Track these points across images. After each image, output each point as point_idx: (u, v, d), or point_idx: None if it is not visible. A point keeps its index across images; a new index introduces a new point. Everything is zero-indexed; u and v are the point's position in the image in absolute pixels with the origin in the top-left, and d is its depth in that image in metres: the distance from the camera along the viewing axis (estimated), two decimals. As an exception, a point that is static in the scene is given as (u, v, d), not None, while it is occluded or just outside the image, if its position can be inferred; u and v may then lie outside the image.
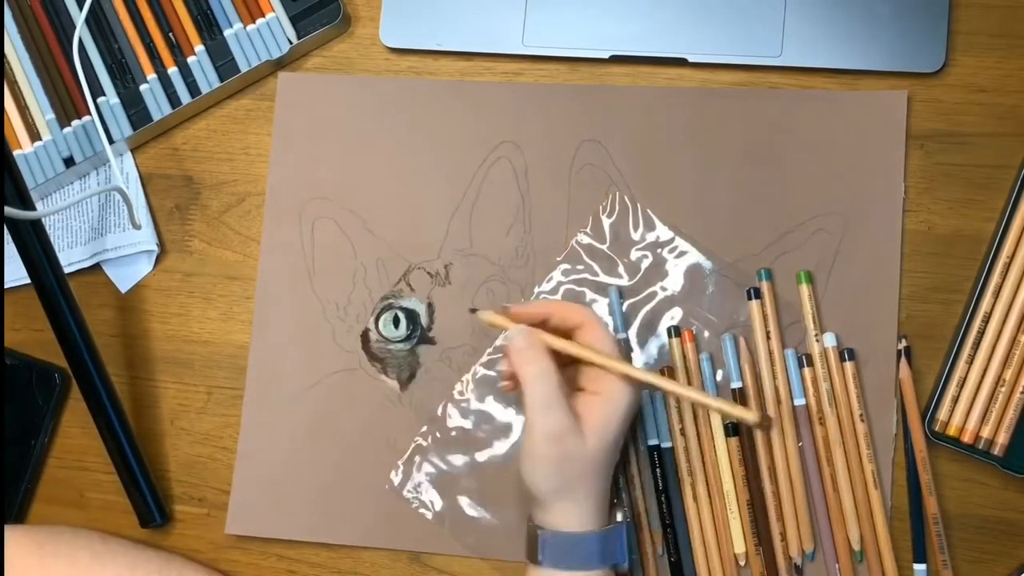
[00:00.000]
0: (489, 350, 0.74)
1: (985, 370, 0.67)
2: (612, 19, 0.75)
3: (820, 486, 0.68)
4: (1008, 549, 0.68)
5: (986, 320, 0.68)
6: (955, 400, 0.67)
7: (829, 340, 0.69)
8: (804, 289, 0.70)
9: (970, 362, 0.67)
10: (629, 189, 0.74)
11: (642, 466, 0.70)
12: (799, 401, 0.69)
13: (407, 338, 0.75)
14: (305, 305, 0.76)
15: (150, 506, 0.75)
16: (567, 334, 0.64)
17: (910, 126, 0.72)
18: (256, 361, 0.76)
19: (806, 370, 0.69)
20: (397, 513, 0.73)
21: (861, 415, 0.68)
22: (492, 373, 0.73)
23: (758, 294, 0.70)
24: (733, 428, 0.69)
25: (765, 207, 0.72)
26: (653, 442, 0.70)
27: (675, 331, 0.71)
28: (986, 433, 0.67)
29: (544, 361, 0.61)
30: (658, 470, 0.69)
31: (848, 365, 0.69)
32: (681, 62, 0.74)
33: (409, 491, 0.73)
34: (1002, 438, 0.67)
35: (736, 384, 0.70)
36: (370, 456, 0.73)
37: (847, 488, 0.68)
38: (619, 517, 0.63)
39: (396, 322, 0.75)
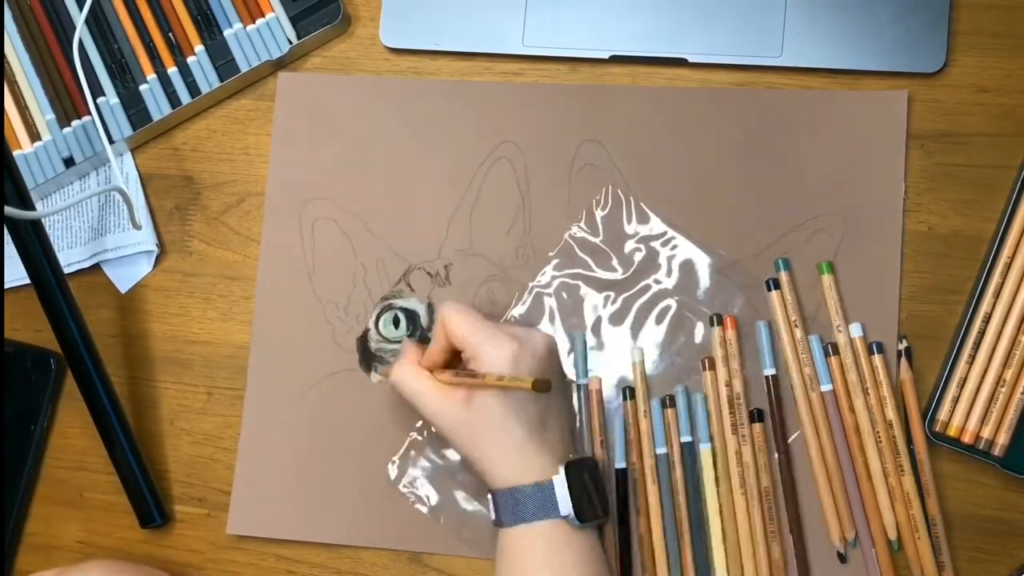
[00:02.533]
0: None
1: (985, 370, 0.67)
2: (612, 19, 0.75)
3: (853, 473, 0.68)
4: (1008, 549, 0.67)
5: (986, 320, 0.67)
6: (955, 400, 0.67)
7: (855, 331, 0.69)
8: (826, 279, 0.70)
9: (970, 362, 0.67)
10: (629, 189, 0.74)
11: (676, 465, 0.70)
12: (826, 387, 0.69)
13: (407, 338, 0.75)
14: (305, 305, 0.76)
15: (150, 506, 0.74)
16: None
17: (910, 126, 0.72)
18: (256, 361, 0.76)
19: (832, 358, 0.69)
20: (397, 513, 0.73)
21: (894, 403, 0.68)
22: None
23: (776, 284, 0.70)
24: (758, 414, 0.69)
25: (765, 207, 0.72)
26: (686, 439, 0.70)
27: (717, 319, 0.71)
28: (986, 433, 0.67)
29: (418, 380, 0.68)
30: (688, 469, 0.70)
31: (877, 357, 0.69)
32: (681, 62, 0.74)
33: (405, 485, 0.73)
34: (1002, 438, 0.67)
35: (769, 371, 0.70)
36: (370, 456, 0.73)
37: (880, 477, 0.67)
38: (560, 472, 0.64)
39: (396, 322, 0.75)
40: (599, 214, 0.74)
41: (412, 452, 0.73)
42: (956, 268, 0.70)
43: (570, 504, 0.63)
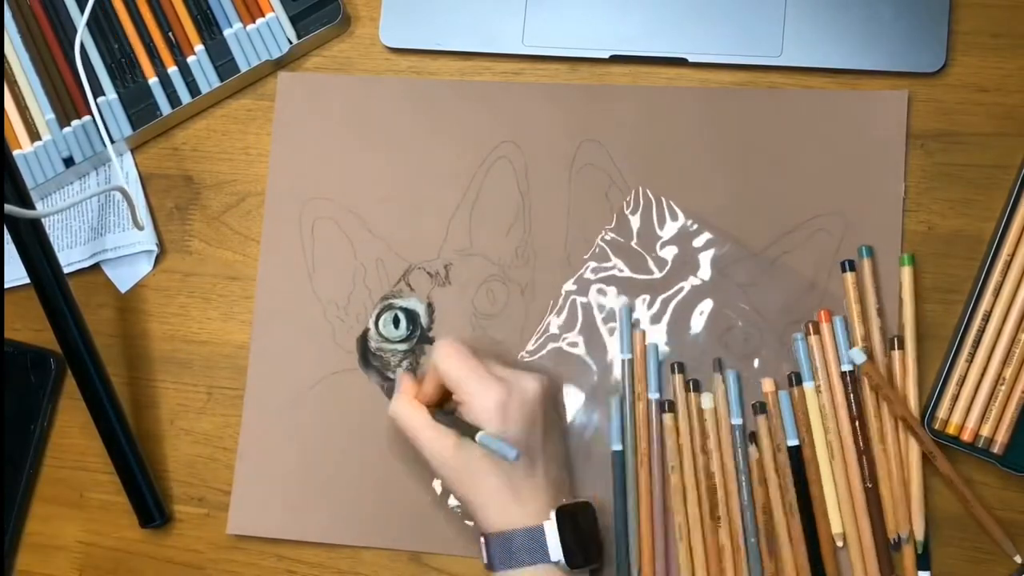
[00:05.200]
0: (529, 347, 0.74)
1: (985, 368, 0.67)
2: (612, 19, 0.75)
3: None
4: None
5: (986, 319, 0.67)
6: (955, 398, 0.67)
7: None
8: (907, 271, 0.69)
9: (970, 360, 0.67)
10: (629, 189, 0.74)
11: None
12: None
13: (407, 338, 0.75)
14: (305, 305, 0.76)
15: (150, 506, 0.74)
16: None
17: (910, 126, 0.72)
18: (256, 361, 0.76)
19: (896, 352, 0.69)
20: (397, 513, 0.73)
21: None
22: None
23: (853, 266, 0.70)
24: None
25: (765, 207, 0.72)
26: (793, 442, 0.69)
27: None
28: (986, 431, 0.67)
29: (415, 416, 0.68)
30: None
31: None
32: (681, 62, 0.74)
33: (453, 501, 0.72)
34: (1002, 436, 0.67)
35: (846, 368, 0.69)
36: (370, 456, 0.73)
37: (918, 474, 0.68)
38: (551, 518, 0.64)
39: (396, 322, 0.75)
40: (631, 217, 0.74)
41: None
42: (956, 268, 0.70)
43: (560, 550, 0.63)
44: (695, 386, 0.70)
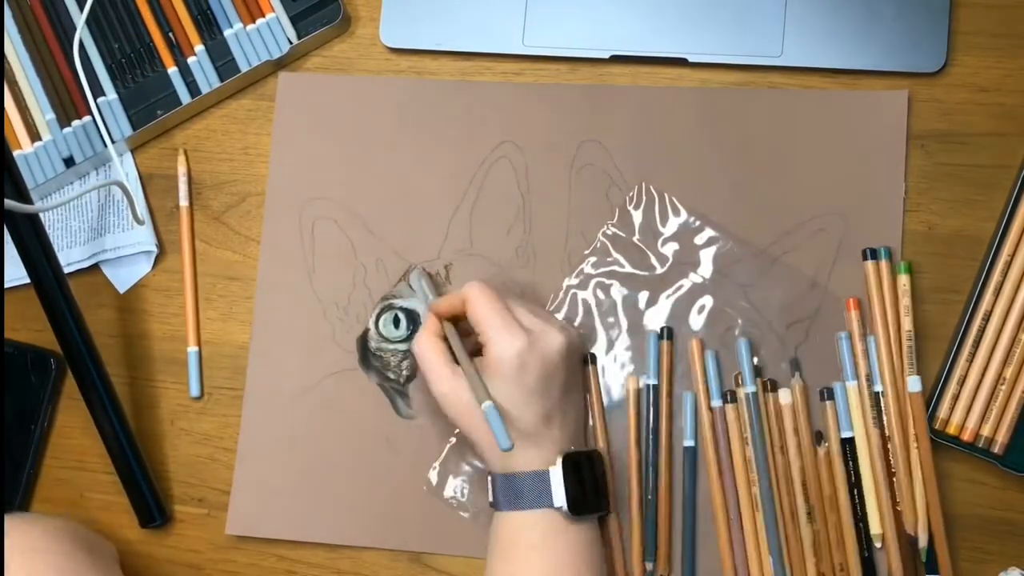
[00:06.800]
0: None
1: (985, 368, 0.67)
2: (612, 19, 0.75)
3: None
4: (1008, 549, 0.67)
5: (987, 319, 0.68)
6: (955, 398, 0.67)
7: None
8: (903, 280, 0.69)
9: (971, 360, 0.67)
10: (629, 189, 0.74)
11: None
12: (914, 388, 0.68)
13: (407, 338, 0.75)
14: (305, 305, 0.76)
15: (150, 506, 0.74)
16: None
17: (910, 126, 0.72)
18: (256, 361, 0.76)
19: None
20: (397, 513, 0.73)
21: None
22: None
23: (875, 255, 0.69)
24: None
25: (765, 207, 0.72)
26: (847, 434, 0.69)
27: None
28: (986, 431, 0.67)
29: (434, 354, 0.67)
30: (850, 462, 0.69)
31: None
32: (681, 62, 0.74)
33: (448, 492, 0.72)
34: (1002, 436, 0.67)
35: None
36: (370, 456, 0.73)
37: (919, 478, 0.68)
38: (556, 464, 0.64)
39: (396, 322, 0.75)
40: (633, 212, 0.74)
41: (453, 457, 0.73)
42: (956, 268, 0.70)
43: (564, 496, 0.64)
44: (773, 386, 0.70)
